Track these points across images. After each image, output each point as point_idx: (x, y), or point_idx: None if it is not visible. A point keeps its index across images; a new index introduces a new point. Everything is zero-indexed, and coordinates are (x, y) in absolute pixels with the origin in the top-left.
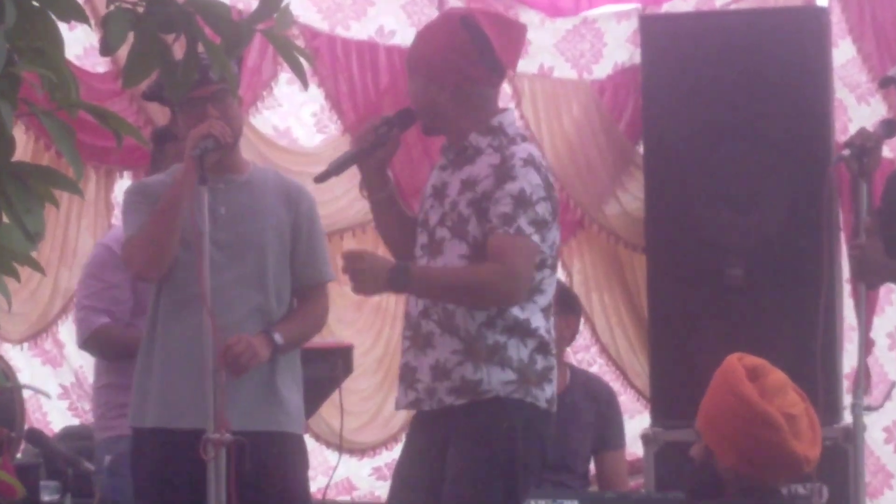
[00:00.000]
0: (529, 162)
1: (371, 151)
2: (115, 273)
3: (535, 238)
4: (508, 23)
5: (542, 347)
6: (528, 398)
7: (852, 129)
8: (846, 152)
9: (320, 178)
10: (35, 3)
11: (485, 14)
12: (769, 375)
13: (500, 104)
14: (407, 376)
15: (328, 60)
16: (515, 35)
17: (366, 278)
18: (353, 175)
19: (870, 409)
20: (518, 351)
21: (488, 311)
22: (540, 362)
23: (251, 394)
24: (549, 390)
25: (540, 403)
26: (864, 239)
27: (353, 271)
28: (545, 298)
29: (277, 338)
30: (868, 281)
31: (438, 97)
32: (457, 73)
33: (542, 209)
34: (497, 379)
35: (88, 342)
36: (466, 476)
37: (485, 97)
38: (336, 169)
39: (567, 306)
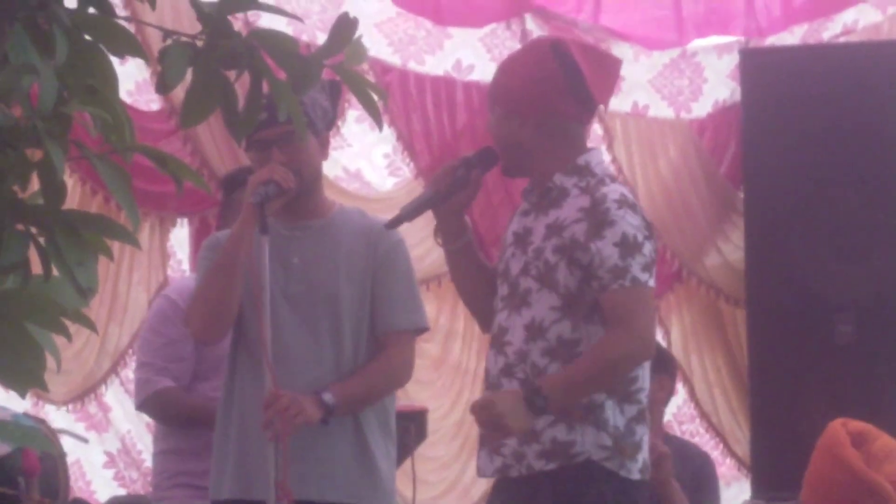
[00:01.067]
0: (624, 202)
1: (448, 195)
2: (178, 327)
3: (651, 283)
4: (602, 55)
5: (641, 416)
6: (621, 471)
7: None
8: None
9: (392, 224)
10: (87, 38)
11: (576, 44)
12: (876, 441)
13: (590, 144)
14: (490, 440)
15: (400, 97)
16: (610, 68)
17: (509, 421)
18: (428, 221)
19: None
20: (614, 416)
21: None
22: (638, 433)
23: (341, 460)
24: (642, 459)
25: (633, 476)
26: None
27: (493, 423)
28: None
29: (327, 397)
30: None
31: (520, 131)
32: (542, 106)
33: (648, 250)
34: (591, 441)
35: (146, 404)
36: None
37: (572, 134)
38: (409, 214)
39: (661, 366)
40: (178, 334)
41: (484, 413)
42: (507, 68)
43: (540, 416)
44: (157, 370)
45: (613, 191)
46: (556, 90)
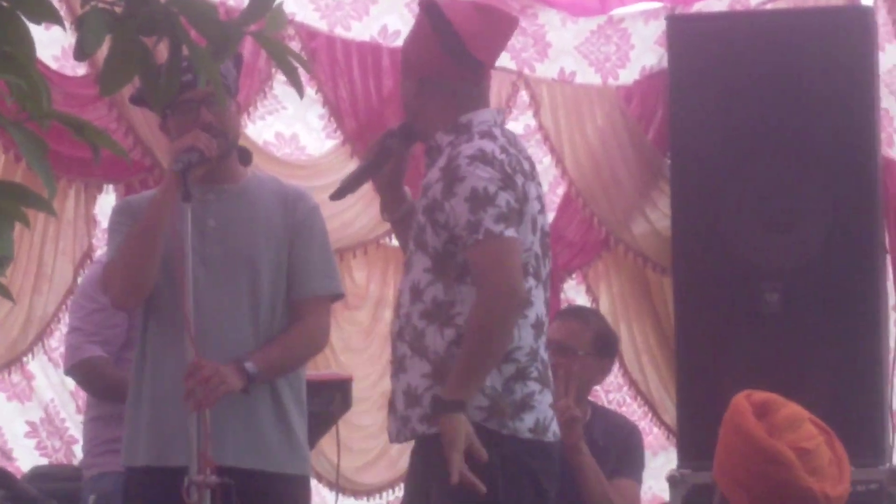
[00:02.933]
0: (476, 157)
1: (377, 167)
2: None
3: (509, 232)
4: (492, 13)
5: (520, 374)
6: (503, 430)
7: None
8: None
9: (336, 196)
10: (4, 4)
11: (465, 4)
12: (780, 410)
13: (516, 112)
14: (391, 404)
15: (327, 63)
16: (502, 28)
17: (458, 445)
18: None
19: None
20: (490, 377)
21: (458, 328)
22: (518, 391)
23: (259, 427)
24: (531, 419)
25: (521, 435)
26: None
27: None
28: (533, 311)
29: (249, 366)
30: None
31: (409, 93)
32: (418, 66)
33: (504, 200)
34: (469, 403)
35: (74, 370)
36: None
37: (457, 92)
38: (350, 186)
39: (605, 349)
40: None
41: (450, 462)
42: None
43: (450, 414)
44: (87, 335)
45: (471, 146)
46: (428, 50)
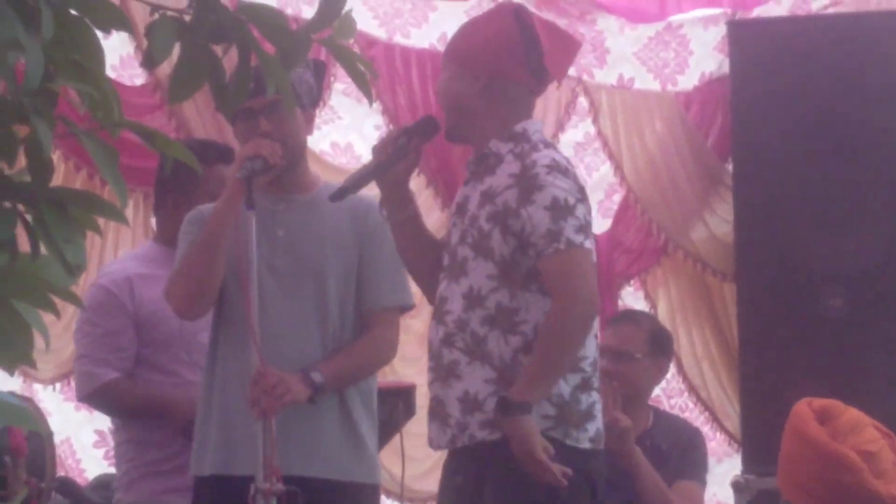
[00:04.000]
0: (553, 167)
1: (390, 165)
2: (115, 317)
3: (588, 244)
4: (563, 33)
5: (585, 384)
6: (567, 440)
7: None
8: None
9: (336, 196)
10: (73, 12)
11: (539, 18)
12: (842, 416)
13: (575, 119)
14: (438, 411)
15: (386, 71)
16: (569, 47)
17: (536, 446)
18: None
19: None
20: (558, 385)
21: (524, 335)
22: (584, 401)
23: (327, 436)
24: (593, 428)
25: (582, 445)
26: None
27: (535, 462)
28: (595, 320)
29: (315, 376)
30: None
31: (469, 90)
32: (496, 65)
33: (581, 213)
34: (535, 411)
35: (93, 397)
36: None
37: (518, 100)
38: (353, 186)
39: (661, 349)
40: (116, 324)
41: (535, 468)
42: (469, 28)
43: (522, 415)
44: (97, 362)
45: (544, 156)
46: (511, 52)
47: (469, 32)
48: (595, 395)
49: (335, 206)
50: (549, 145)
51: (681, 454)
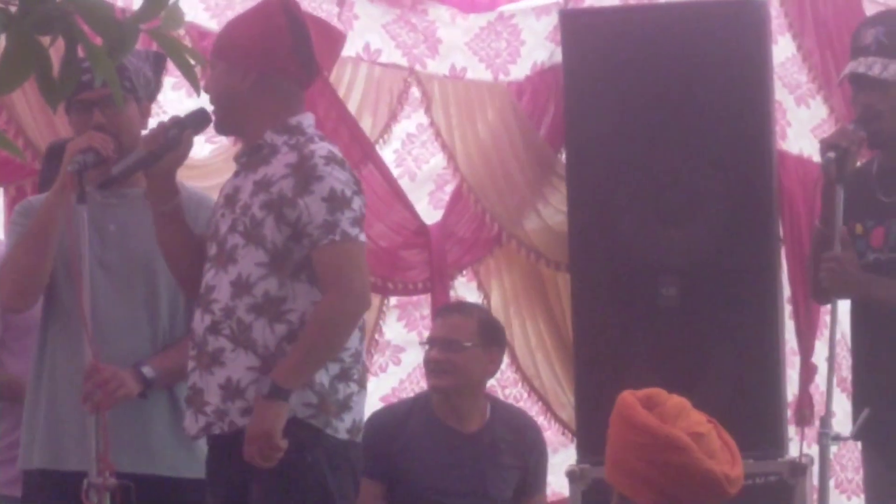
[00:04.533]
0: (332, 159)
1: (160, 155)
2: None
3: (362, 237)
4: (329, 26)
5: (344, 374)
6: (327, 429)
7: (792, 134)
8: (831, 155)
9: (105, 185)
10: None
11: (307, 13)
12: (667, 402)
13: (409, 109)
14: (195, 399)
15: None
16: (335, 40)
17: (277, 433)
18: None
19: (837, 438)
20: (319, 374)
21: (290, 324)
22: (342, 391)
23: (158, 433)
24: (349, 420)
25: (340, 435)
26: (839, 250)
27: (272, 449)
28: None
29: (147, 371)
30: (844, 296)
31: (240, 85)
32: (266, 60)
33: (358, 205)
34: (297, 399)
35: None
36: None
37: (290, 93)
38: (122, 173)
39: (491, 339)
40: None
41: (266, 449)
42: (237, 23)
43: (281, 402)
44: None
45: (321, 147)
46: (281, 47)
47: (237, 28)
48: (354, 387)
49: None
50: (324, 138)
51: (526, 466)
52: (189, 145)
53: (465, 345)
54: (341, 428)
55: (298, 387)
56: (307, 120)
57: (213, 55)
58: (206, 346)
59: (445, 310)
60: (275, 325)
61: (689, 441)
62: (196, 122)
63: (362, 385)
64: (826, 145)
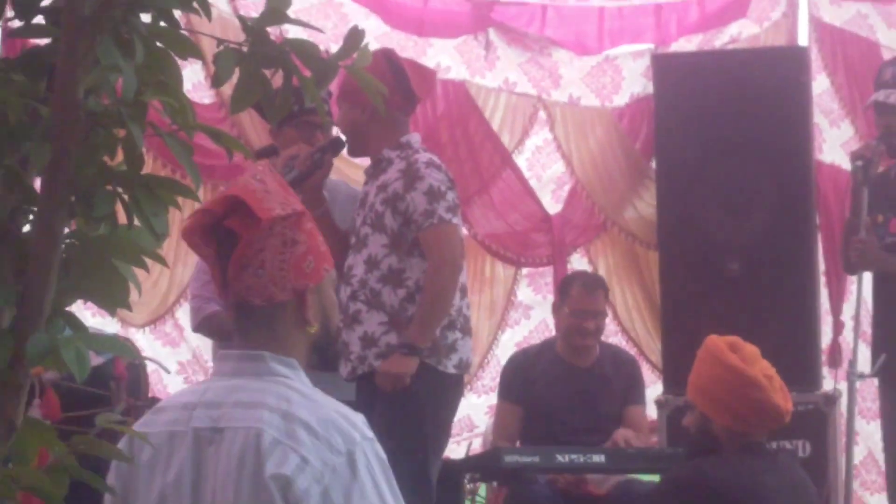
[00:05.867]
0: (431, 164)
1: (310, 174)
2: None
3: (455, 220)
4: (423, 67)
5: (451, 325)
6: (439, 367)
7: (826, 148)
8: (859, 163)
9: None
10: (159, 44)
11: (406, 59)
12: (745, 347)
13: (537, 128)
14: (344, 351)
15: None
16: (428, 77)
17: (398, 375)
18: None
19: (862, 377)
20: None
21: (408, 288)
22: (450, 337)
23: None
24: (456, 358)
25: (448, 370)
26: (864, 235)
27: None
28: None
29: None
30: (867, 269)
31: (360, 118)
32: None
33: (451, 197)
34: None
35: (200, 326)
36: (386, 433)
37: (397, 120)
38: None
39: (596, 284)
40: None
41: (398, 385)
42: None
43: (417, 357)
44: (204, 300)
45: (423, 156)
46: (386, 87)
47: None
48: (458, 334)
49: (341, 196)
50: (427, 150)
51: (629, 382)
52: (330, 165)
53: (604, 312)
54: (449, 365)
55: (429, 340)
56: (414, 138)
57: (339, 98)
58: (348, 310)
59: (592, 285)
60: (397, 290)
61: (765, 381)
62: (333, 147)
63: (465, 332)
64: (854, 156)
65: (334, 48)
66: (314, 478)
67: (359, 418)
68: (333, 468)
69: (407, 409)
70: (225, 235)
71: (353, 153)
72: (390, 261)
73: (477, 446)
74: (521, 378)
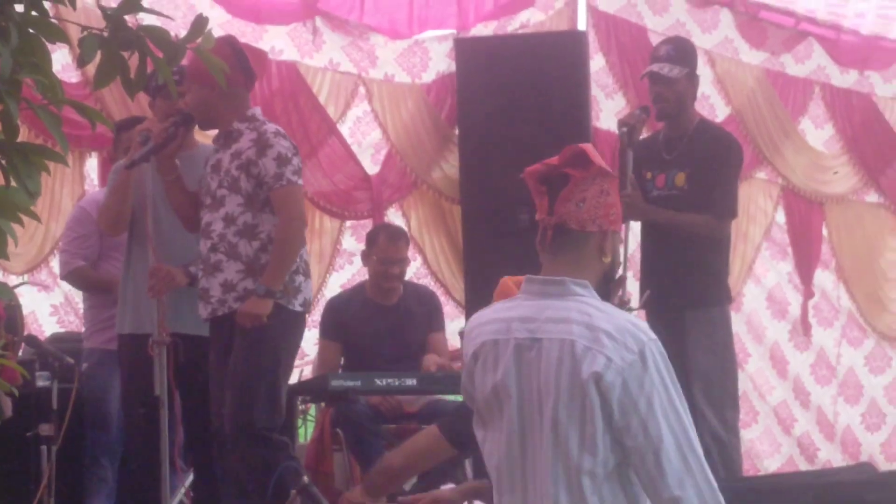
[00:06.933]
0: (278, 133)
1: (164, 145)
2: (87, 227)
3: (300, 181)
4: (257, 50)
5: (296, 270)
6: (289, 305)
7: (602, 117)
8: (624, 129)
9: (131, 165)
10: (31, 31)
11: (245, 44)
12: None
13: (356, 102)
14: (203, 295)
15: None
16: (260, 59)
17: (257, 315)
18: None
19: (631, 309)
20: None
21: (261, 240)
22: (296, 280)
23: (193, 304)
24: (301, 298)
25: (295, 308)
26: (630, 190)
27: (254, 321)
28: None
29: (192, 269)
30: (633, 219)
31: (209, 96)
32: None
33: (297, 161)
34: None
35: (67, 277)
36: (244, 362)
37: (241, 96)
38: (141, 158)
39: (399, 234)
40: (86, 231)
41: (255, 322)
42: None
43: (274, 297)
44: (72, 254)
45: (270, 127)
46: (231, 67)
47: (199, 60)
48: (302, 277)
49: (205, 158)
50: (271, 122)
51: (429, 314)
52: (182, 137)
53: (406, 259)
54: (296, 304)
55: (280, 284)
56: (258, 111)
57: (187, 80)
58: (209, 260)
59: (395, 236)
60: (252, 242)
61: None
62: (184, 122)
63: (307, 276)
64: (621, 123)
65: (183, 34)
66: (617, 372)
67: (644, 324)
68: (630, 364)
69: (263, 341)
70: (558, 178)
71: (203, 127)
72: (245, 217)
73: (308, 373)
74: (338, 319)
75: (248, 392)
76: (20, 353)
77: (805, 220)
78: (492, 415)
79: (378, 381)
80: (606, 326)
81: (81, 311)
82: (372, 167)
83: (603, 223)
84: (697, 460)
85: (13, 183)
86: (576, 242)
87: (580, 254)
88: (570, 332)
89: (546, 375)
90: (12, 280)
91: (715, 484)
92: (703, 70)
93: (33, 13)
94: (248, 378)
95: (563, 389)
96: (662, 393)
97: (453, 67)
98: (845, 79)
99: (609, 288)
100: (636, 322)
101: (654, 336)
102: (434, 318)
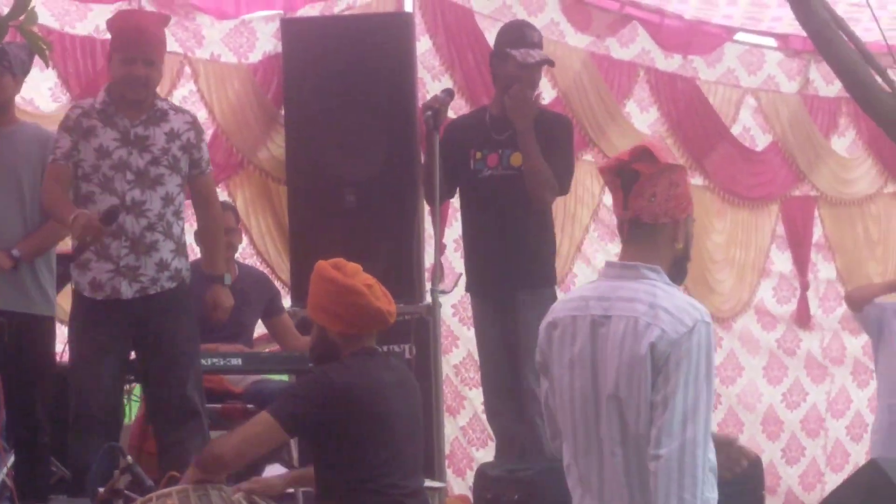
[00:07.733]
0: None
1: None
2: None
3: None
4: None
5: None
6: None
7: (429, 97)
8: (429, 112)
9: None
10: None
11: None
12: (347, 266)
13: (182, 81)
14: (129, 273)
15: (59, 50)
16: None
17: (229, 306)
18: None
19: (444, 292)
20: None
21: (184, 219)
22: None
23: (24, 288)
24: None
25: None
26: (439, 174)
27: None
28: None
29: (14, 252)
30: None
31: (153, 74)
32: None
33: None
34: (185, 267)
35: None
36: (169, 341)
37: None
38: None
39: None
40: None
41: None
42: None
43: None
44: None
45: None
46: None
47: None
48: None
49: (28, 135)
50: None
51: (270, 300)
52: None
53: (236, 229)
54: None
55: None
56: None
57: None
58: (144, 239)
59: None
60: (180, 222)
61: (364, 288)
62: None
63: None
64: (425, 107)
65: (6, 11)
66: (669, 343)
67: (703, 308)
68: (680, 336)
69: (191, 322)
70: (629, 174)
71: (145, 100)
72: (180, 198)
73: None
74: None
75: (197, 371)
76: None
77: None
78: (563, 383)
79: (203, 361)
80: (667, 305)
81: None
82: None
83: (675, 213)
84: (695, 433)
85: None
86: (650, 233)
87: (654, 243)
88: (635, 310)
89: (612, 348)
90: None
91: (701, 471)
92: None
93: None
94: (195, 357)
95: (625, 363)
96: (693, 364)
97: (280, 48)
98: (669, 63)
99: (676, 270)
100: (696, 304)
101: (709, 320)
102: (275, 301)
